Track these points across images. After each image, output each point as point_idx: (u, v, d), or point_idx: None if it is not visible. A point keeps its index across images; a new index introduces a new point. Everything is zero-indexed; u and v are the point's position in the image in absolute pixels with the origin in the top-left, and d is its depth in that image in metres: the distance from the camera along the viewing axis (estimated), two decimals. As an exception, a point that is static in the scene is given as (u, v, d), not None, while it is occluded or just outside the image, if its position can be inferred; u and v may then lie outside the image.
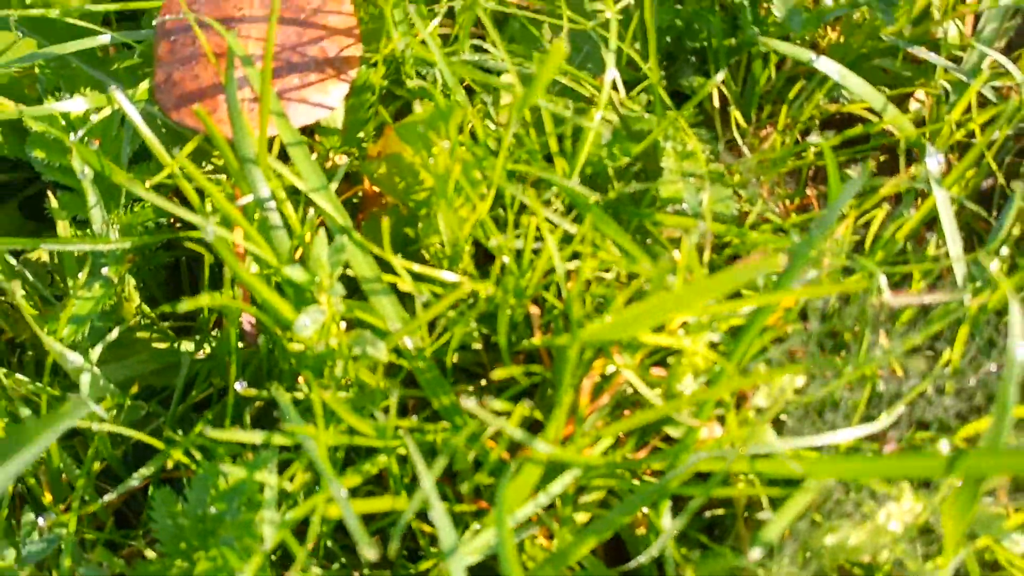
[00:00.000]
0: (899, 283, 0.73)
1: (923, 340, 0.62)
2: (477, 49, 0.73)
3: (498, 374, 0.58)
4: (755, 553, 0.48)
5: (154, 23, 0.65)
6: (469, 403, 0.50)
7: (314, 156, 0.74)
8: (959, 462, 0.40)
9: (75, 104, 0.63)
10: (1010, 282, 0.43)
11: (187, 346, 0.75)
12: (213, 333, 0.74)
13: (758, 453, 0.52)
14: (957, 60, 0.82)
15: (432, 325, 0.66)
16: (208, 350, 0.74)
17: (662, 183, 0.71)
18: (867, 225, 0.73)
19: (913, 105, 0.86)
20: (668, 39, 0.82)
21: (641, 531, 0.68)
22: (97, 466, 0.67)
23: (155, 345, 0.77)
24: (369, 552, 0.42)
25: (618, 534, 0.69)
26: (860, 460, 0.45)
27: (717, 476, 0.55)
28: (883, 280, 0.60)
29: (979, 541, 0.57)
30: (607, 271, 0.69)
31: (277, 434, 0.53)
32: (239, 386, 0.61)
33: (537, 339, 0.66)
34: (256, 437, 0.53)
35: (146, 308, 0.75)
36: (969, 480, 0.41)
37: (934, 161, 0.61)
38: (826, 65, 0.69)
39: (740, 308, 0.55)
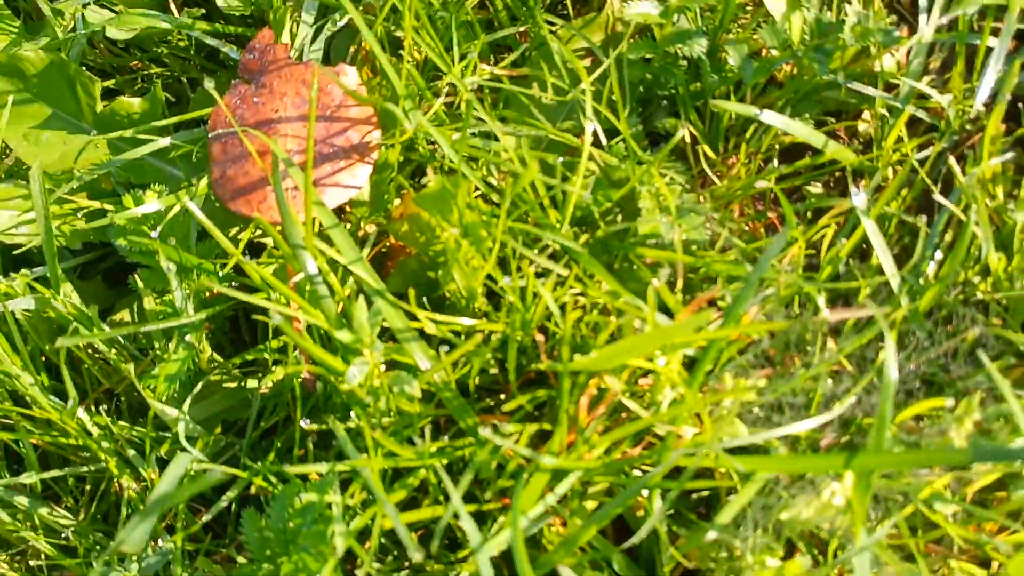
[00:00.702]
0: (849, 291, 0.85)
1: (859, 346, 0.75)
2: (479, 119, 0.86)
3: (508, 406, 0.71)
4: (711, 535, 0.62)
5: (208, 135, 0.80)
6: (485, 431, 0.64)
7: (347, 225, 0.88)
8: (852, 461, 0.53)
9: (151, 206, 0.77)
10: (884, 317, 0.55)
11: (253, 383, 0.89)
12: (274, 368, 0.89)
13: (720, 449, 0.66)
14: (895, 87, 0.94)
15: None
16: (270, 385, 0.89)
17: (641, 222, 0.84)
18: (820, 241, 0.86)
19: (862, 126, 0.98)
20: (641, 89, 0.94)
21: (640, 513, 0.82)
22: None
23: (226, 385, 0.91)
24: (416, 555, 0.56)
25: (623, 517, 0.83)
26: (782, 459, 0.59)
27: (690, 470, 0.68)
28: (821, 300, 0.73)
29: (909, 508, 0.70)
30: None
31: (338, 464, 0.68)
32: (304, 423, 0.75)
33: (543, 363, 0.80)
34: (322, 468, 0.67)
35: (217, 356, 0.90)
36: (862, 474, 0.54)
37: (860, 199, 0.73)
38: (770, 117, 0.81)
39: (698, 339, 0.69)
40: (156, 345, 0.82)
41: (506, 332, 0.79)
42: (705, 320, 0.56)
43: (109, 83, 0.98)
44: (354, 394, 0.76)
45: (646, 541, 0.79)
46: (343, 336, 0.69)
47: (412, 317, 0.78)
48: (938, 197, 0.77)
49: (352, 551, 0.77)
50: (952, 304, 0.84)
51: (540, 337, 0.83)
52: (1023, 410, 0.55)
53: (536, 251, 0.82)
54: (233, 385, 0.92)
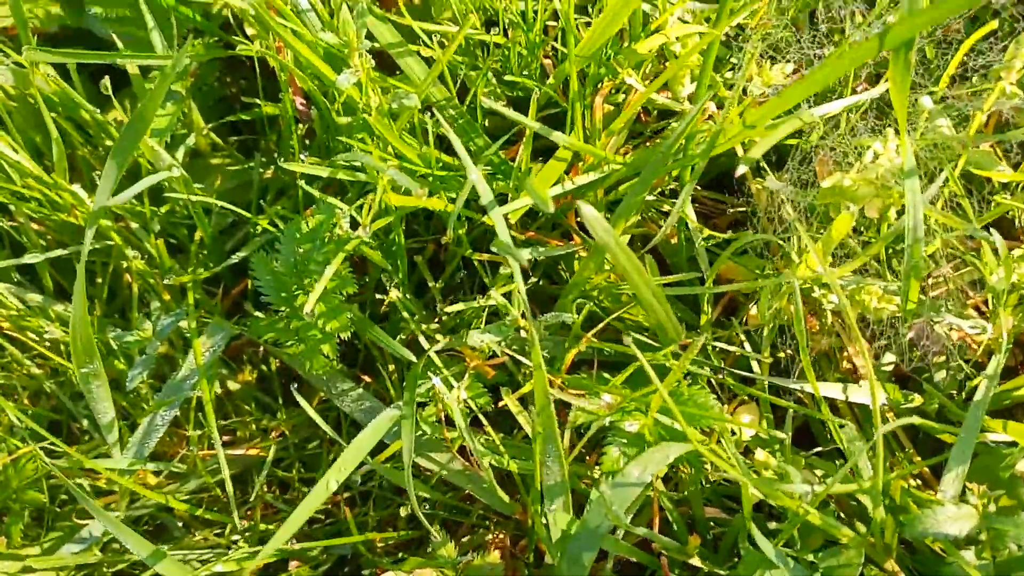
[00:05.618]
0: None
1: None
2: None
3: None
4: (740, 169, 0.57)
5: None
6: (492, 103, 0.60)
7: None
8: (887, 37, 0.47)
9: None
10: None
11: (253, 163, 0.85)
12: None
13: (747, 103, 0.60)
14: None
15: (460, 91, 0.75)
16: (272, 171, 0.85)
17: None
18: None
19: None
20: None
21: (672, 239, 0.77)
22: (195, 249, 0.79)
23: (229, 168, 0.88)
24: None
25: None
26: (812, 77, 0.53)
27: (710, 141, 0.63)
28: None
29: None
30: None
31: (340, 168, 0.64)
32: (303, 156, 0.71)
33: (551, 78, 0.74)
34: (323, 171, 0.63)
35: (214, 136, 0.86)
36: (899, 50, 0.49)
37: None
38: None
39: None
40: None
41: (507, 44, 0.74)
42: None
43: None
44: (352, 125, 0.71)
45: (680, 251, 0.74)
46: (328, 37, 0.64)
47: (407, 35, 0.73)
48: None
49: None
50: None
51: (547, 61, 0.78)
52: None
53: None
54: (236, 168, 0.88)
